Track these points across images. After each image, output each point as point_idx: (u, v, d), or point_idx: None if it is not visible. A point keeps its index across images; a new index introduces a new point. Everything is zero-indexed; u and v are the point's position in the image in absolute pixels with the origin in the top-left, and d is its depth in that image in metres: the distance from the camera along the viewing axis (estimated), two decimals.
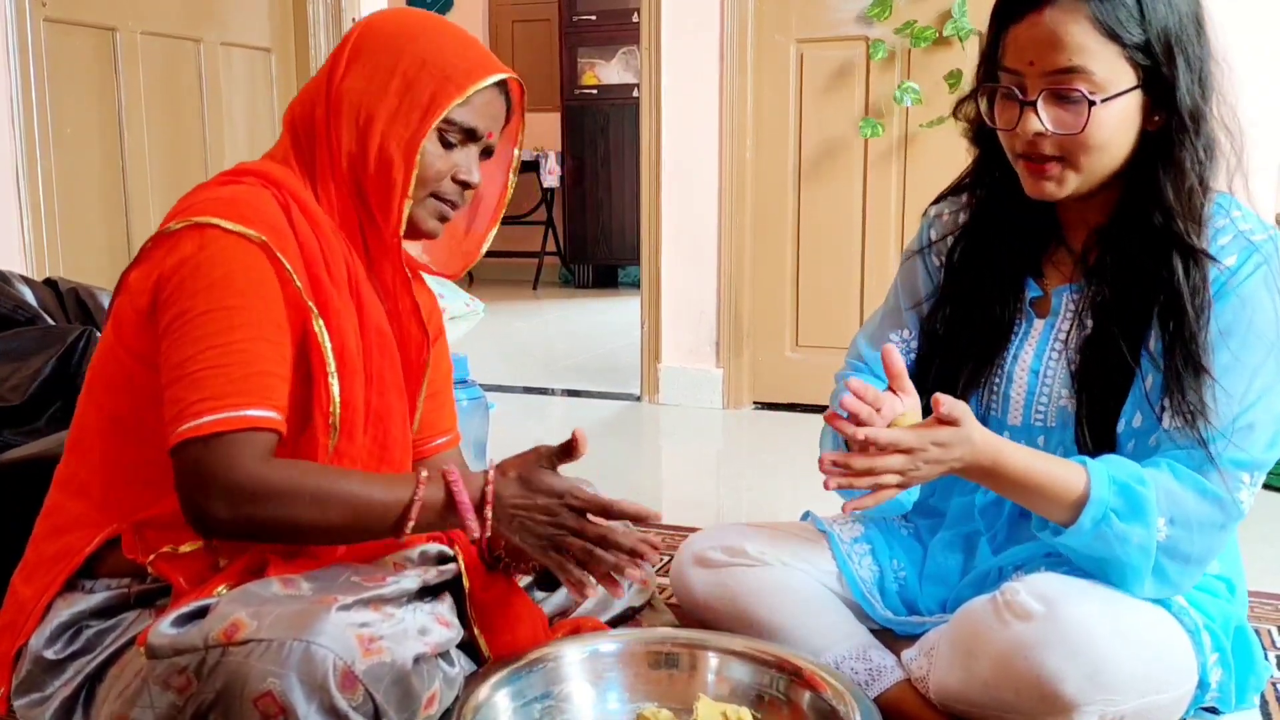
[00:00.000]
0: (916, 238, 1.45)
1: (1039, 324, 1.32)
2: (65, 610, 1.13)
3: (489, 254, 1.40)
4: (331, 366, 1.14)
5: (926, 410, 1.17)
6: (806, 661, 1.27)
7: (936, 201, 1.44)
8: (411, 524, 1.08)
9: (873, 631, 1.41)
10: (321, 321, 1.14)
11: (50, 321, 1.86)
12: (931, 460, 1.13)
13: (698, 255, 3.36)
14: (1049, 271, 1.33)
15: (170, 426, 1.05)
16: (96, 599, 1.14)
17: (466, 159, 1.22)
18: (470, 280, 6.66)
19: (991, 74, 1.23)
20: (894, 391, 1.19)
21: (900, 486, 1.15)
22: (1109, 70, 1.14)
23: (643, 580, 1.27)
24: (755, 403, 3.41)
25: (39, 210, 2.87)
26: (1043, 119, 1.16)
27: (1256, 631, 1.40)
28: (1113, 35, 1.13)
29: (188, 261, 1.09)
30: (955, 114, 1.35)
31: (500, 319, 5.41)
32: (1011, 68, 1.19)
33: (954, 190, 1.41)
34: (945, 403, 1.12)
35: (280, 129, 1.27)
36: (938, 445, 1.13)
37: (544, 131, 6.76)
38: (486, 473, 1.12)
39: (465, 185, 1.23)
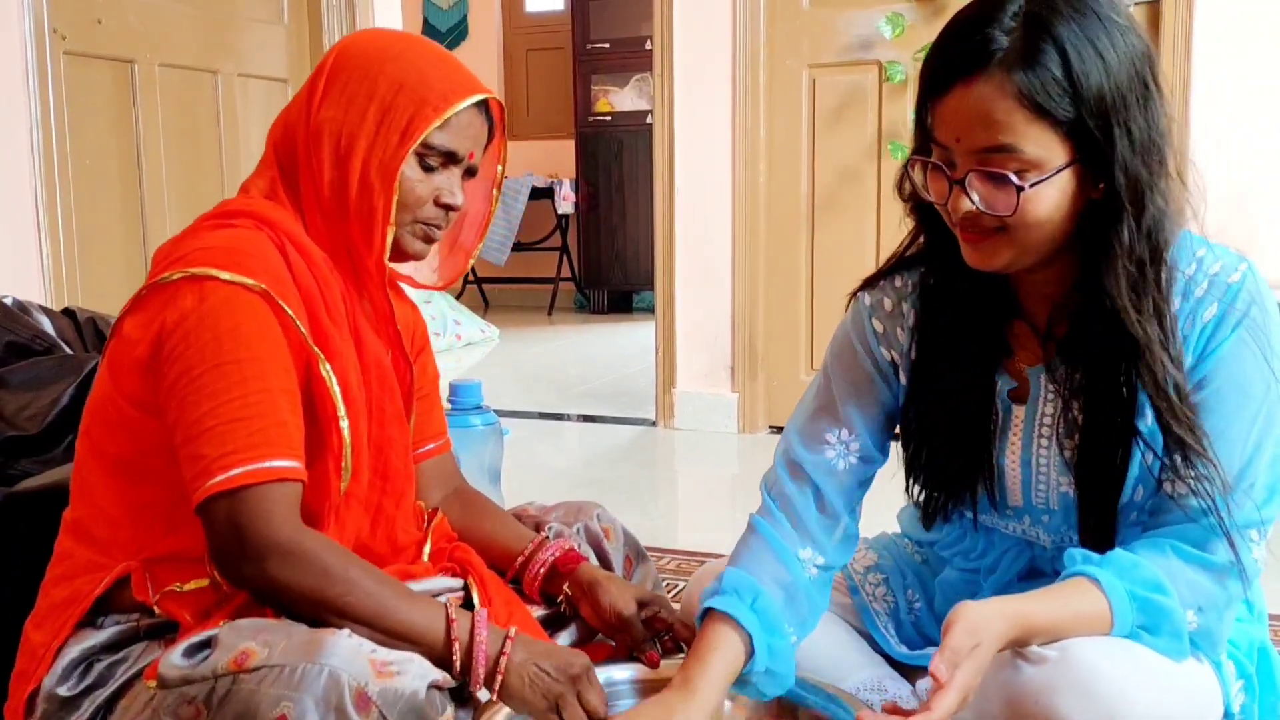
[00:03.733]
0: (854, 327, 1.31)
1: (1019, 410, 1.25)
2: (76, 647, 1.13)
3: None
4: (341, 410, 1.14)
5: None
6: (823, 687, 1.26)
7: (867, 286, 1.31)
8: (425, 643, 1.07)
9: (887, 660, 1.39)
10: (328, 365, 1.14)
11: (68, 351, 1.87)
12: (976, 661, 1.04)
13: (712, 280, 3.36)
14: (1016, 350, 1.25)
15: (194, 483, 1.05)
16: (106, 634, 1.14)
17: (448, 181, 1.22)
18: (485, 306, 6.68)
19: (924, 144, 1.13)
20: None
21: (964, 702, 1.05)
22: (1040, 149, 1.04)
23: None
24: (771, 427, 3.40)
25: (58, 240, 2.90)
26: (972, 198, 1.07)
27: None
28: (1042, 112, 1.03)
29: (189, 315, 1.08)
30: (898, 190, 1.24)
31: (515, 345, 5.42)
32: (941, 141, 1.09)
33: (889, 271, 1.30)
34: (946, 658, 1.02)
35: None
36: (966, 646, 1.03)
37: (558, 158, 6.79)
38: (508, 632, 1.11)
39: (448, 208, 1.22)
